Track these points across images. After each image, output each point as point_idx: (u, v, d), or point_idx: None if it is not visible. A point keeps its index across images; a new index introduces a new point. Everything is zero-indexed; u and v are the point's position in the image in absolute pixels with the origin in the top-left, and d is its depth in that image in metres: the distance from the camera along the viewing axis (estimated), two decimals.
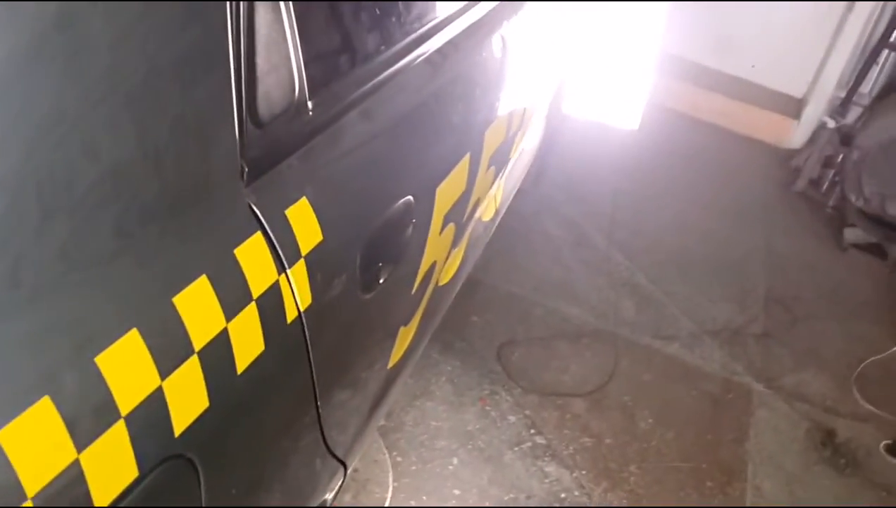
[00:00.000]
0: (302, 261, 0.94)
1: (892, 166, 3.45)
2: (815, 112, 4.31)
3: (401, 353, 1.56)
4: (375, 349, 1.38)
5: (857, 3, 4.05)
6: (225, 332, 0.81)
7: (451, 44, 1.40)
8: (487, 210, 1.98)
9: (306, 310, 0.96)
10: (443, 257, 1.59)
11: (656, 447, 2.45)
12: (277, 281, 0.90)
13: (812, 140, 4.22)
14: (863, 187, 3.56)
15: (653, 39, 3.97)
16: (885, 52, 4.05)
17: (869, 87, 4.18)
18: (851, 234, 3.63)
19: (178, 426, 0.76)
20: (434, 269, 1.54)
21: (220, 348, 0.81)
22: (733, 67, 4.51)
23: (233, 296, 0.83)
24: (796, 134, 4.38)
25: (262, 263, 0.88)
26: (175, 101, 0.75)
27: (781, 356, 2.93)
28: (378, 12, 1.21)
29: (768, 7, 4.26)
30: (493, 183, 1.84)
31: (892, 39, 3.96)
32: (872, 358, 2.90)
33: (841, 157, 3.86)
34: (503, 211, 2.30)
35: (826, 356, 2.97)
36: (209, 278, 0.79)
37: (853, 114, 4.16)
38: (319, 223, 0.97)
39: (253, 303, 0.85)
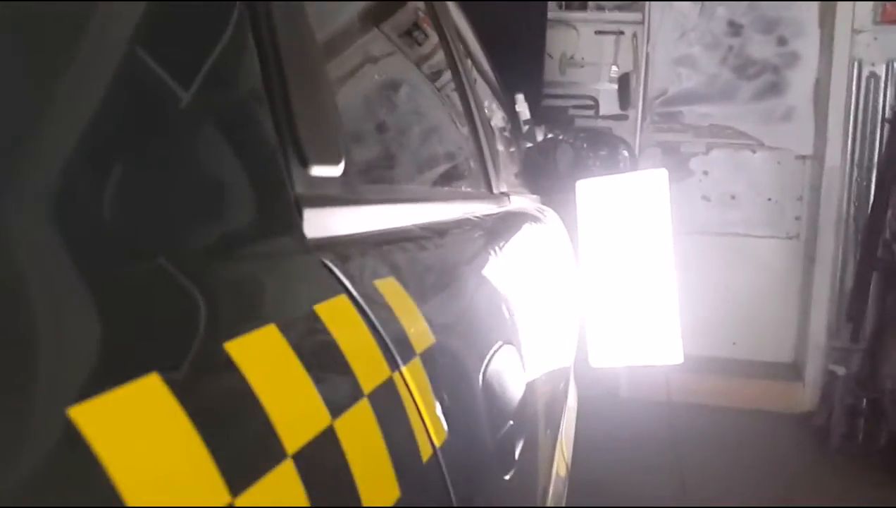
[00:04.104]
0: None
1: None
2: (816, 369, 4.02)
3: None
4: None
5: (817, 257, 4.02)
6: None
7: None
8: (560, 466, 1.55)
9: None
10: None
11: None
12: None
13: (825, 396, 3.86)
14: None
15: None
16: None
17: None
18: None
19: None
20: None
21: None
22: (719, 349, 4.27)
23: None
24: (805, 395, 4.04)
25: None
26: None
27: None
28: None
29: (736, 284, 4.19)
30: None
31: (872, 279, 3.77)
32: None
33: (865, 401, 3.51)
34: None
35: None
36: None
37: (856, 358, 3.84)
38: None
39: None
